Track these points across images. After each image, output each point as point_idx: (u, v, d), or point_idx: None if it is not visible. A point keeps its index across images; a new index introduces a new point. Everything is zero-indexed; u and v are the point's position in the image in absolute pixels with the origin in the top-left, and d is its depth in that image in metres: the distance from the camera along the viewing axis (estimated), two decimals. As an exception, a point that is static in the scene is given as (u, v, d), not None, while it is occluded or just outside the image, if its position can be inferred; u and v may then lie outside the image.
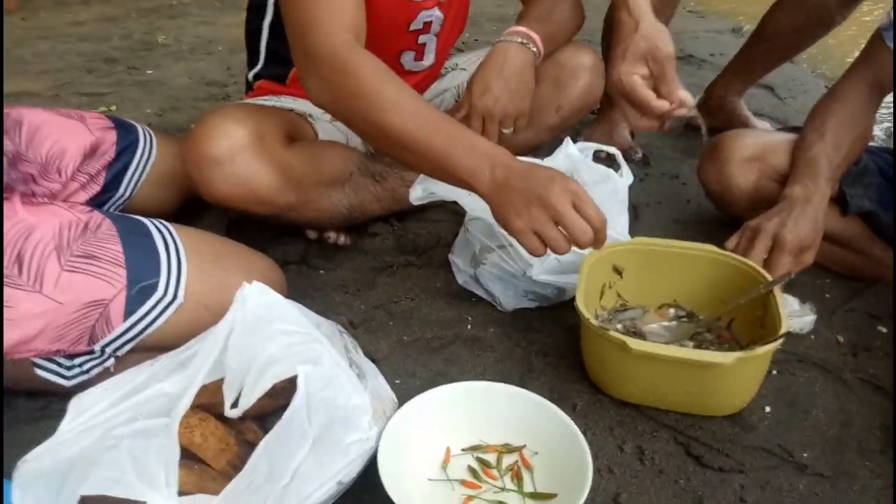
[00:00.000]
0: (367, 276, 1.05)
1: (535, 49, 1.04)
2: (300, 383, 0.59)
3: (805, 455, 0.74)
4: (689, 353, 0.73)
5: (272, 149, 0.95)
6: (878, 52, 1.03)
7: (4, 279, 0.70)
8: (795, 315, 0.92)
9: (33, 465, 0.59)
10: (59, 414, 0.79)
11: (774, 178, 1.05)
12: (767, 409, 0.80)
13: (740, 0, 2.96)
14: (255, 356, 0.64)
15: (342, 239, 1.11)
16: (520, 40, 1.03)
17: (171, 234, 0.80)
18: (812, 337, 0.92)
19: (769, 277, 0.83)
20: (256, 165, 0.93)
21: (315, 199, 1.01)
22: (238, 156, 0.92)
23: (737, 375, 0.74)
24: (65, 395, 0.80)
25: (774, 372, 0.85)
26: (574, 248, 0.77)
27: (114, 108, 1.80)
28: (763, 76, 1.63)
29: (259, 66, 1.14)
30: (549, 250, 0.76)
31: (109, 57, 2.24)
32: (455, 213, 1.22)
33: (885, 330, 0.94)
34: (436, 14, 1.09)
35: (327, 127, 1.13)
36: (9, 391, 0.82)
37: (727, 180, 1.07)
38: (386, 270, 1.06)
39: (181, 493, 0.59)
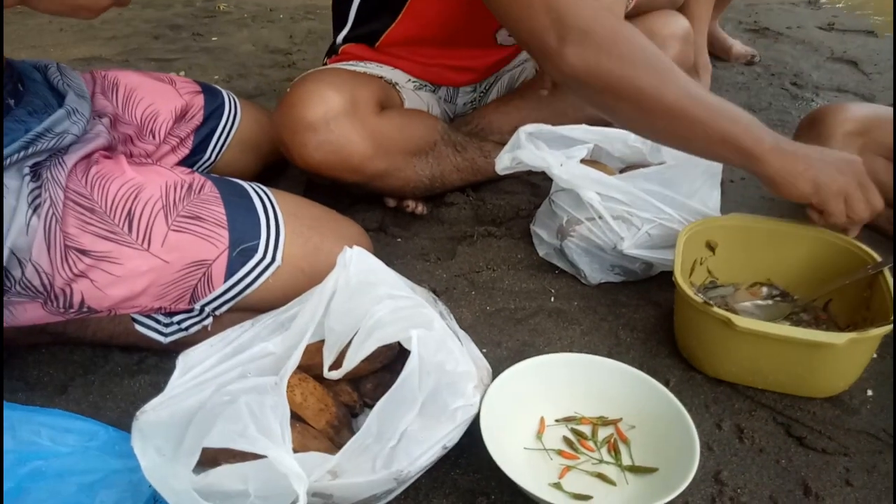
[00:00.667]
0: (446, 246, 1.05)
1: None
2: (413, 347, 0.59)
3: (912, 441, 0.72)
4: (799, 332, 0.71)
5: (365, 116, 0.95)
6: None
7: (115, 236, 0.72)
8: (899, 298, 0.88)
9: (152, 416, 0.61)
10: (154, 369, 0.83)
11: (881, 153, 1.00)
12: (869, 392, 0.78)
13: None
14: (362, 319, 0.65)
15: (420, 208, 1.11)
16: None
17: (269, 197, 0.81)
18: (914, 321, 0.88)
19: (877, 258, 0.80)
20: (350, 132, 0.93)
21: (401, 168, 1.01)
22: (333, 122, 0.92)
23: (845, 357, 0.72)
24: (160, 351, 0.83)
25: (876, 356, 0.82)
26: (676, 218, 0.80)
27: (182, 73, 1.83)
28: None
29: (347, 29, 1.13)
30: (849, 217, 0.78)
31: (174, 24, 2.27)
32: (531, 184, 1.20)
33: None
34: None
35: (411, 95, 1.12)
36: (104, 345, 0.85)
37: None
38: (466, 240, 1.05)
39: (292, 450, 0.61)
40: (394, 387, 0.58)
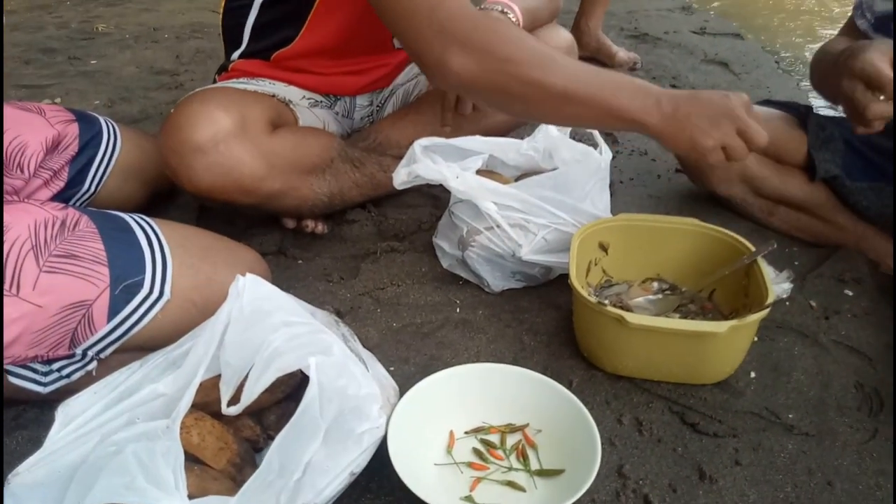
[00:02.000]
0: (349, 264, 1.04)
1: (514, 18, 1.04)
2: (312, 374, 0.58)
3: (791, 416, 0.78)
4: (686, 324, 0.75)
5: (256, 135, 0.92)
6: (848, 30, 1.09)
7: (-24, 284, 0.66)
8: (774, 283, 0.95)
9: (27, 478, 0.56)
10: (34, 423, 0.77)
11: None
12: (752, 374, 0.83)
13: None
14: (258, 350, 0.63)
15: (320, 227, 1.09)
16: (500, 9, 1.03)
17: (152, 228, 0.77)
18: (787, 303, 0.96)
19: (752, 248, 0.86)
20: (241, 153, 0.90)
21: (298, 187, 0.99)
22: (222, 143, 0.89)
23: (728, 343, 0.76)
24: (40, 402, 0.77)
25: (756, 339, 0.88)
26: (570, 222, 0.84)
27: (58, 100, 1.71)
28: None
29: (243, 46, 1.09)
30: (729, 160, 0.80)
31: (47, 47, 2.12)
32: (432, 196, 1.21)
33: (851, 293, 0.99)
34: None
35: (307, 113, 1.10)
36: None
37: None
38: (368, 257, 1.05)
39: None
40: (294, 417, 0.56)
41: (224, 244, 0.85)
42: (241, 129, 0.90)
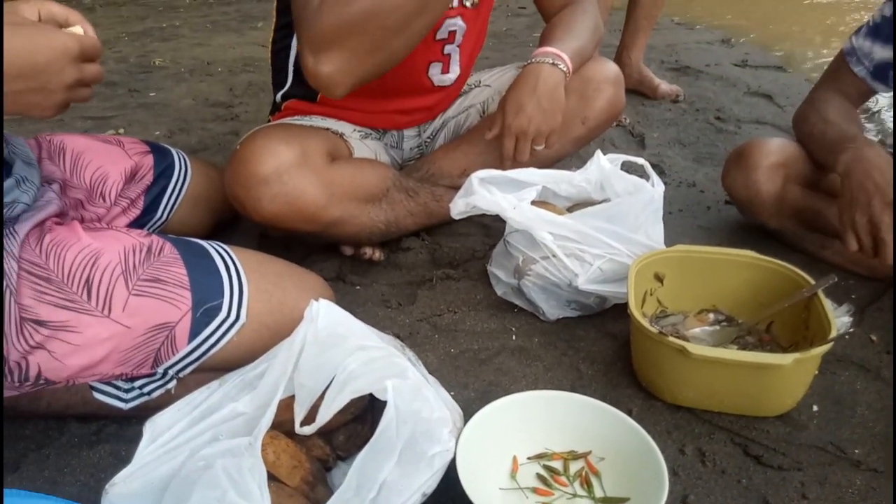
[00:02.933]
0: (406, 291, 1.06)
1: (564, 68, 1.07)
2: (389, 397, 0.60)
3: (857, 451, 0.77)
4: (750, 355, 0.76)
5: (317, 166, 0.97)
6: (841, 75, 1.11)
7: (73, 304, 0.71)
8: (836, 316, 0.95)
9: (123, 488, 0.59)
10: (115, 437, 0.80)
11: (800, 182, 1.10)
12: (815, 408, 0.83)
13: (723, 9, 3.06)
14: (334, 372, 0.65)
15: (377, 254, 1.13)
16: (551, 61, 1.06)
17: (229, 255, 0.81)
18: (847, 337, 0.95)
19: (811, 281, 0.86)
20: (303, 183, 0.94)
21: (356, 216, 1.03)
22: (285, 174, 0.93)
23: (792, 376, 0.77)
24: (119, 418, 0.81)
25: (817, 373, 0.88)
26: (624, 252, 0.85)
27: (121, 131, 1.80)
28: (649, 32, 1.90)
29: (288, 86, 1.15)
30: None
31: (109, 81, 2.23)
32: (483, 225, 1.24)
33: (913, 328, 0.98)
34: (459, 23, 1.12)
35: (359, 145, 1.15)
36: (59, 416, 0.82)
37: (755, 186, 1.11)
38: (425, 284, 1.07)
39: (269, 512, 0.60)
40: (373, 438, 0.58)
41: (294, 270, 0.88)
42: (303, 161, 0.95)
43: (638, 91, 1.94)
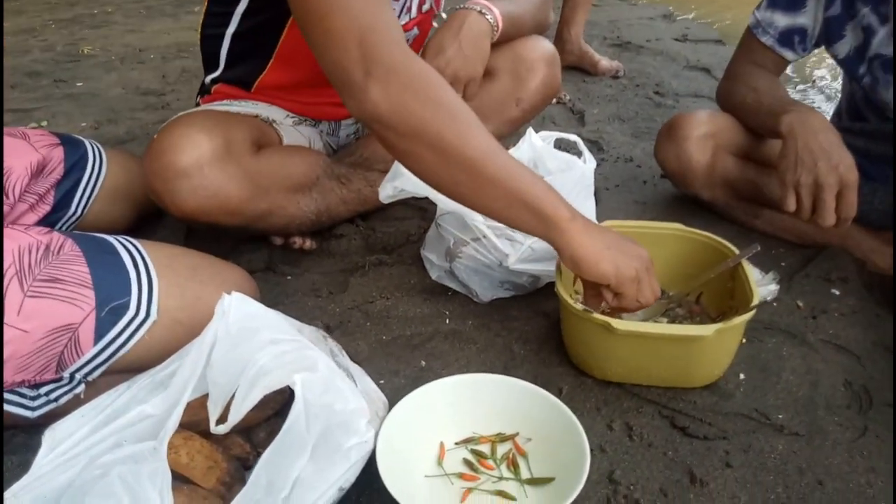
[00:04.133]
0: (337, 279, 1.04)
1: (492, 20, 1.05)
2: (298, 391, 0.58)
3: (780, 417, 0.78)
4: (672, 328, 0.76)
5: (241, 157, 0.93)
6: (753, 48, 1.14)
7: (-39, 310, 0.66)
8: (760, 284, 0.96)
9: (14, 503, 0.56)
10: (23, 447, 0.76)
11: (731, 152, 1.11)
12: (742, 376, 0.84)
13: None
14: (245, 368, 0.63)
15: (308, 243, 1.09)
16: (479, 9, 1.04)
17: (137, 250, 0.77)
18: (775, 304, 0.96)
19: (736, 251, 0.86)
20: (225, 176, 0.90)
21: (284, 206, 1.00)
22: (206, 166, 0.89)
23: (716, 346, 0.77)
24: (28, 427, 0.77)
25: (744, 341, 0.89)
26: None
27: (44, 123, 1.71)
28: (588, 7, 1.89)
29: (219, 71, 1.10)
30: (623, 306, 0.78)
31: (33, 70, 2.12)
32: (420, 209, 1.22)
33: (837, 293, 1.00)
34: (413, 32, 1.10)
35: (291, 132, 1.11)
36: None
37: (686, 157, 1.11)
38: (357, 271, 1.05)
39: (178, 516, 0.58)
40: (279, 434, 0.56)
41: (211, 263, 0.85)
42: (226, 152, 0.91)
43: (579, 67, 1.93)
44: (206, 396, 0.66)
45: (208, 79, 1.12)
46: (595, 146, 1.48)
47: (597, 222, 0.98)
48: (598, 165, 1.39)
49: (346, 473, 0.61)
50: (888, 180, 1.06)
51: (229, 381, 0.64)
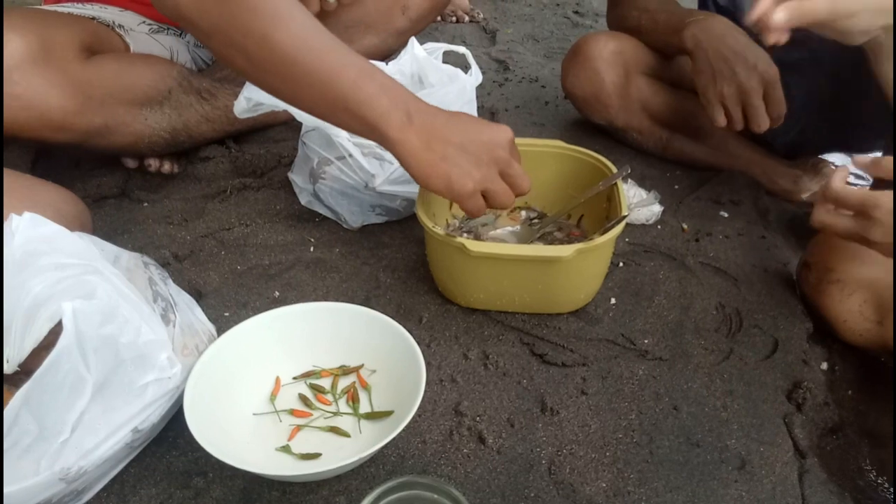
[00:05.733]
0: (196, 205, 0.94)
1: None
2: (66, 322, 0.50)
3: (646, 341, 0.74)
4: (528, 249, 0.70)
5: (64, 62, 0.81)
6: None
7: None
8: (643, 205, 0.92)
9: None
10: None
11: (641, 71, 1.04)
12: (613, 300, 0.79)
13: None
14: (21, 298, 0.54)
15: (167, 166, 0.99)
16: None
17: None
18: (659, 227, 0.92)
19: (613, 169, 0.81)
20: (42, 82, 0.79)
21: (127, 123, 0.88)
22: (16, 71, 0.77)
23: (580, 268, 0.72)
24: None
25: (621, 264, 0.85)
26: None
27: None
28: None
29: None
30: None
31: None
32: (299, 130, 1.12)
33: (726, 215, 0.96)
34: None
35: (144, 40, 0.98)
36: None
37: (597, 77, 1.04)
38: (218, 196, 0.95)
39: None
40: (37, 372, 0.48)
41: (22, 182, 0.74)
42: (42, 55, 0.78)
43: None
44: (-7, 332, 0.58)
45: None
46: (502, 66, 1.39)
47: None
48: (501, 85, 1.32)
49: (141, 413, 0.55)
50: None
51: (11, 313, 0.56)
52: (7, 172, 0.75)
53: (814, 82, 0.97)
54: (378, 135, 0.63)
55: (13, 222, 0.59)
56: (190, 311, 0.67)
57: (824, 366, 0.74)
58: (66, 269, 0.56)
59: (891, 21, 0.66)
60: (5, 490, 0.48)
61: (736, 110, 0.88)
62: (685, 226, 0.93)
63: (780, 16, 0.63)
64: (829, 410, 0.68)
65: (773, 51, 0.93)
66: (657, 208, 0.92)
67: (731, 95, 0.87)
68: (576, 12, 1.70)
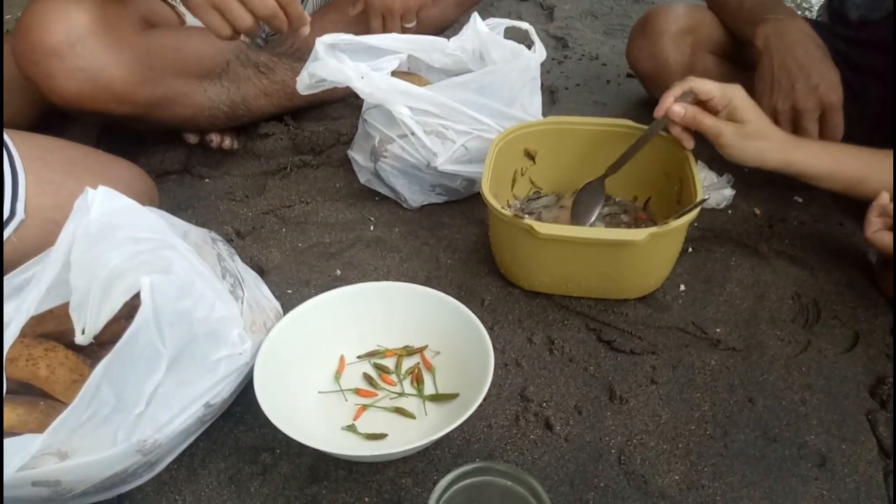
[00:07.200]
0: (257, 182, 0.95)
1: None
2: (145, 296, 0.50)
3: (718, 330, 0.71)
4: (599, 231, 0.68)
5: (123, 34, 0.81)
6: None
7: None
8: (714, 188, 0.88)
9: None
10: None
11: (709, 50, 0.99)
12: (682, 287, 0.77)
13: None
14: (98, 270, 0.55)
15: (227, 142, 0.99)
16: None
17: (2, 142, 0.68)
18: (730, 212, 0.88)
19: (688, 151, 0.77)
20: (105, 54, 0.79)
21: (187, 94, 0.89)
22: (79, 44, 0.78)
23: (650, 253, 0.69)
24: None
25: (690, 249, 0.81)
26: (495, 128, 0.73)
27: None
28: None
29: None
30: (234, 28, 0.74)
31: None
32: (357, 107, 1.10)
33: (800, 200, 0.91)
34: None
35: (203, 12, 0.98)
36: None
37: (662, 54, 1.00)
38: (278, 173, 0.95)
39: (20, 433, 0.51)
40: (118, 345, 0.49)
41: (95, 157, 0.76)
42: (103, 27, 0.79)
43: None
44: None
45: None
46: (560, 42, 1.35)
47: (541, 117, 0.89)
48: (560, 63, 1.28)
49: (213, 388, 0.55)
50: (876, 96, 0.94)
51: (88, 284, 0.57)
52: (79, 147, 0.77)
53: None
54: None
55: (88, 196, 0.60)
56: (256, 288, 0.67)
57: (909, 361, 0.70)
58: (142, 242, 0.56)
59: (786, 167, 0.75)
60: (85, 460, 0.48)
61: (786, 127, 0.83)
62: (758, 211, 0.89)
63: (677, 109, 0.72)
64: (916, 408, 0.65)
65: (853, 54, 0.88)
66: (728, 192, 0.88)
67: (784, 111, 0.83)
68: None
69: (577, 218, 0.79)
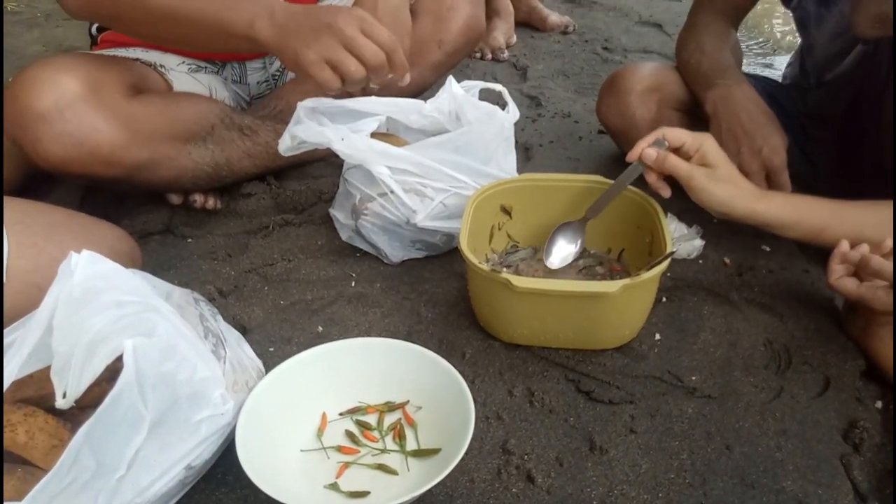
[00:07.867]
0: (239, 241, 0.96)
1: None
2: (127, 359, 0.51)
3: (694, 378, 0.73)
4: (574, 285, 0.70)
5: (112, 99, 0.84)
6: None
7: None
8: (684, 239, 0.91)
9: None
10: None
11: (674, 107, 1.04)
12: (657, 336, 0.79)
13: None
14: (80, 335, 0.55)
15: (210, 202, 1.01)
16: None
17: (-20, 205, 0.69)
18: (700, 262, 0.91)
19: (656, 205, 0.80)
20: (93, 118, 0.82)
21: (172, 157, 0.91)
22: (68, 109, 0.80)
23: (625, 304, 0.71)
24: None
25: (664, 299, 0.84)
26: (471, 185, 0.76)
27: (-49, 81, 1.59)
28: None
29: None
30: (344, 81, 0.78)
31: (-53, 27, 1.98)
32: (338, 166, 1.13)
33: (768, 249, 0.95)
34: None
35: (184, 79, 1.02)
36: None
37: (629, 112, 1.04)
38: (260, 232, 0.97)
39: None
40: (99, 409, 0.49)
41: (77, 221, 0.77)
42: (92, 94, 0.82)
43: (528, 24, 1.85)
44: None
45: (94, 28, 1.03)
46: (534, 102, 1.41)
47: (516, 174, 0.92)
48: (534, 121, 1.33)
49: (195, 450, 0.55)
50: (833, 146, 0.99)
51: (70, 349, 0.57)
52: (60, 210, 0.78)
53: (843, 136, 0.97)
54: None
55: (72, 260, 0.61)
56: (239, 347, 0.68)
57: (879, 404, 0.72)
58: (125, 306, 0.57)
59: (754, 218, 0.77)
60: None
61: None
62: (727, 260, 0.92)
63: (650, 152, 0.75)
64: (888, 451, 0.66)
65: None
66: (698, 242, 0.91)
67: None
68: (605, 48, 1.71)
69: (547, 254, 0.81)
